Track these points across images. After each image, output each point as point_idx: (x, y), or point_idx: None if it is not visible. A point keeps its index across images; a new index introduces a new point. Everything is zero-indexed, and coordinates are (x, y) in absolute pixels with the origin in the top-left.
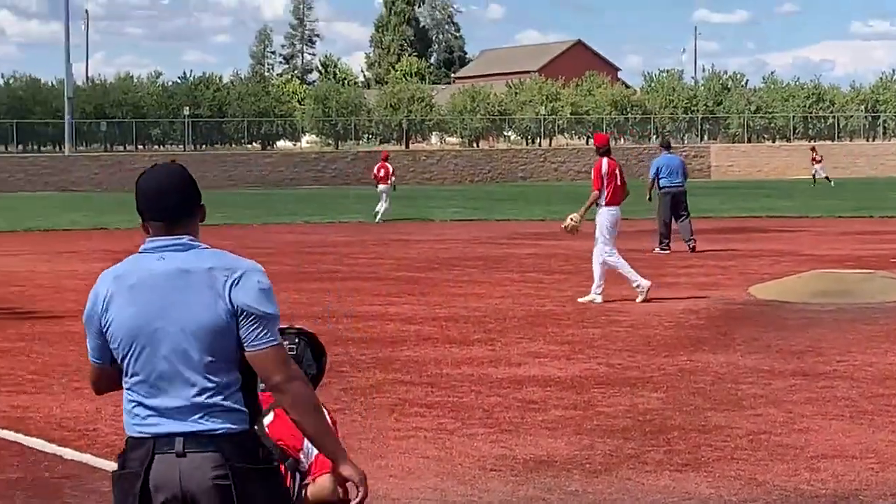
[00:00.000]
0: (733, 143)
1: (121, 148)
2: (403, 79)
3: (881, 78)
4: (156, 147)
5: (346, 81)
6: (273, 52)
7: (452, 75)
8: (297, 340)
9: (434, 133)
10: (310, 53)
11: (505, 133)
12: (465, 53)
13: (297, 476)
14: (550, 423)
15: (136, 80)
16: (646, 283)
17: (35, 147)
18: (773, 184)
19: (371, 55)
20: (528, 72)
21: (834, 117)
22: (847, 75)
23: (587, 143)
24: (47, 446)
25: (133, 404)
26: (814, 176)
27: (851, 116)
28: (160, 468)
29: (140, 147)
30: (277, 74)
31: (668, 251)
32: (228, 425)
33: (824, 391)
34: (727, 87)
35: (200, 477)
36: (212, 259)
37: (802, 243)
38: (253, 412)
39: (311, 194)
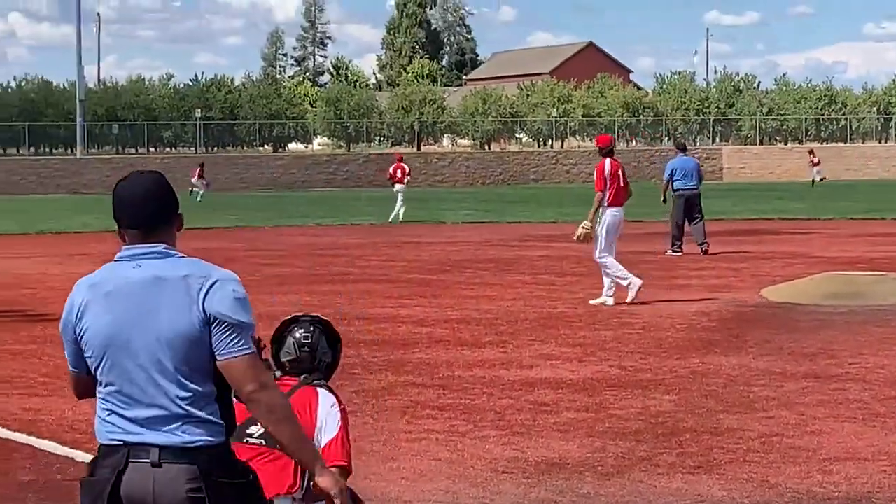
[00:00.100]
0: (745, 144)
1: (132, 150)
2: (415, 81)
3: (894, 80)
4: (167, 149)
5: (357, 84)
6: (285, 55)
7: (464, 77)
8: (311, 328)
9: (446, 135)
10: (321, 56)
11: (517, 135)
12: (477, 55)
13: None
14: (562, 426)
15: (147, 83)
16: (637, 283)
17: (47, 149)
18: (785, 186)
19: (383, 57)
20: (539, 74)
21: (846, 119)
22: (859, 77)
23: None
24: (59, 449)
25: (107, 412)
26: (815, 179)
27: (864, 118)
28: (134, 477)
29: (152, 149)
30: (289, 77)
31: (679, 253)
32: (205, 438)
33: (836, 393)
34: (739, 89)
35: (175, 489)
36: (187, 267)
37: (814, 245)
38: (229, 425)
39: (322, 196)
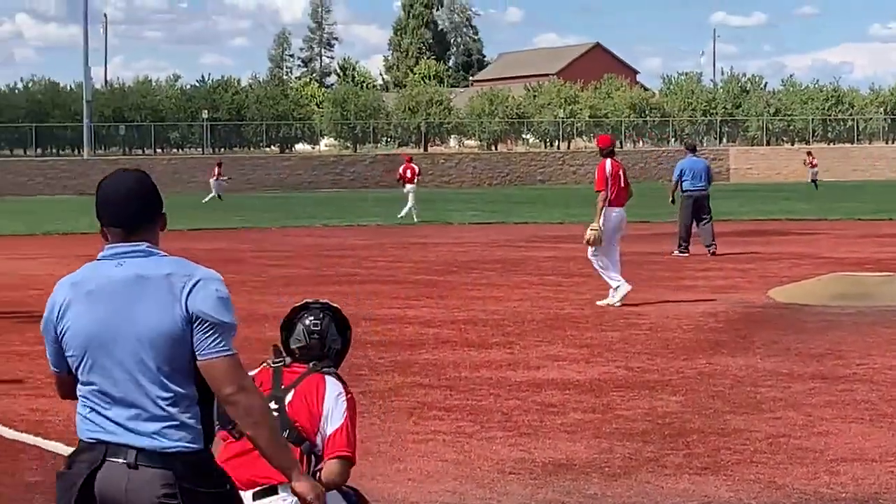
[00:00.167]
0: (752, 145)
1: (139, 152)
2: (422, 82)
3: None
4: (174, 150)
5: (364, 84)
6: (291, 56)
7: (471, 78)
8: (321, 315)
9: (452, 136)
10: (328, 57)
11: (523, 136)
12: (484, 56)
13: (313, 459)
14: (569, 427)
15: (154, 84)
16: (624, 288)
17: (54, 151)
18: (793, 186)
19: (389, 58)
20: (546, 75)
21: (853, 120)
22: (866, 78)
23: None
24: (66, 450)
25: (87, 410)
26: (815, 181)
27: (871, 119)
28: (109, 475)
29: (159, 151)
30: (296, 78)
31: (686, 254)
32: (183, 444)
33: (844, 394)
34: (746, 90)
35: (148, 492)
36: (170, 266)
37: (822, 246)
38: (209, 431)
39: (329, 197)
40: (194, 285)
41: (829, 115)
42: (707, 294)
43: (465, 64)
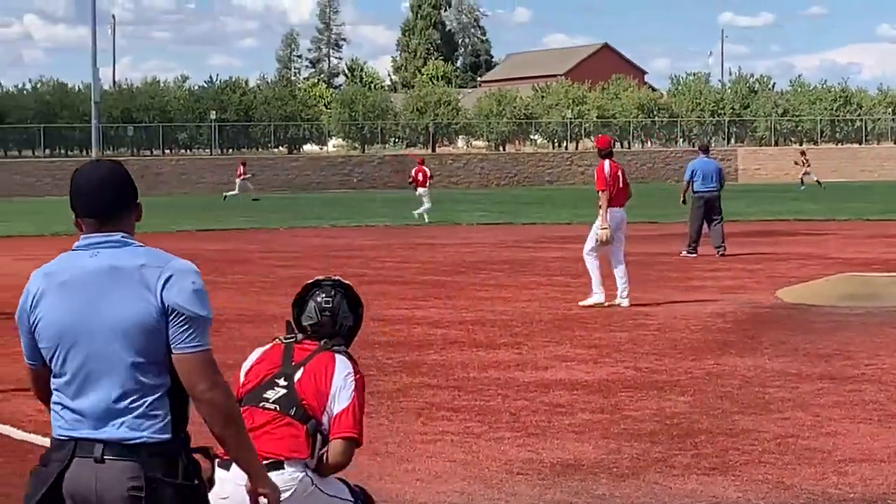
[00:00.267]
0: (760, 146)
1: (147, 152)
2: (430, 82)
3: None
4: (182, 151)
5: (372, 85)
6: (299, 56)
7: (479, 79)
8: (332, 292)
9: (460, 137)
10: (336, 57)
11: (531, 136)
12: (492, 57)
13: (319, 438)
14: (577, 427)
15: (162, 85)
16: (601, 297)
17: (62, 151)
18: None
19: (397, 59)
20: (554, 75)
21: (861, 120)
22: (874, 78)
23: (614, 146)
24: None
25: (59, 406)
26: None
27: (879, 119)
28: (78, 473)
29: (167, 151)
30: (304, 78)
31: (694, 255)
32: (149, 434)
33: (852, 395)
34: (754, 90)
35: (117, 486)
36: (145, 256)
37: (830, 246)
38: (180, 421)
39: (337, 198)
40: (169, 277)
41: (838, 116)
42: (715, 294)
43: (472, 64)
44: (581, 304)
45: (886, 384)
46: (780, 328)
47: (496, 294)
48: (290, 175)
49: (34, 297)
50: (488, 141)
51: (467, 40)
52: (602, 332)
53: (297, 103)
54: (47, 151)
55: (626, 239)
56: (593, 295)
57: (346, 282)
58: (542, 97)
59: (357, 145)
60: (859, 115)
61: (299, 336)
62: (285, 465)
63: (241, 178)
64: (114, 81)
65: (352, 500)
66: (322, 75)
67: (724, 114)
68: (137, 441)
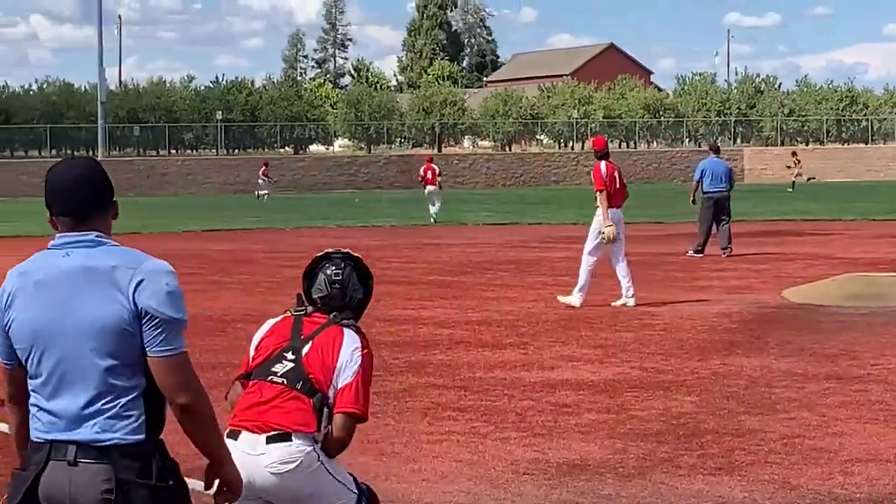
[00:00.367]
0: (766, 146)
1: (153, 152)
2: (436, 82)
3: None
4: (188, 151)
5: (378, 85)
6: (305, 57)
7: (485, 79)
8: (342, 265)
9: (466, 137)
10: (342, 57)
11: (537, 137)
12: (498, 57)
13: (325, 412)
14: (583, 427)
15: (168, 85)
16: (576, 303)
17: (68, 152)
18: (807, 187)
19: (403, 59)
20: (560, 75)
21: (868, 120)
22: (881, 78)
23: (620, 146)
24: None
25: (36, 408)
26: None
27: (885, 119)
28: (53, 476)
29: (173, 151)
30: (310, 79)
31: (700, 255)
32: (122, 435)
33: (858, 395)
34: (760, 90)
35: (90, 489)
36: (118, 257)
37: (836, 246)
38: (155, 422)
39: (343, 198)
40: (142, 280)
41: (844, 116)
42: (721, 294)
43: (478, 64)
44: (559, 298)
45: (892, 384)
46: (787, 328)
47: (502, 294)
48: (296, 175)
49: (8, 297)
50: (494, 141)
51: (473, 40)
52: (608, 332)
53: (303, 103)
54: (53, 152)
55: (625, 238)
56: (574, 295)
57: (356, 254)
58: (548, 97)
59: (363, 145)
60: (865, 114)
61: (309, 309)
62: (293, 438)
63: (265, 179)
64: (120, 81)
65: (356, 492)
66: (328, 75)
67: (731, 114)
68: (109, 442)
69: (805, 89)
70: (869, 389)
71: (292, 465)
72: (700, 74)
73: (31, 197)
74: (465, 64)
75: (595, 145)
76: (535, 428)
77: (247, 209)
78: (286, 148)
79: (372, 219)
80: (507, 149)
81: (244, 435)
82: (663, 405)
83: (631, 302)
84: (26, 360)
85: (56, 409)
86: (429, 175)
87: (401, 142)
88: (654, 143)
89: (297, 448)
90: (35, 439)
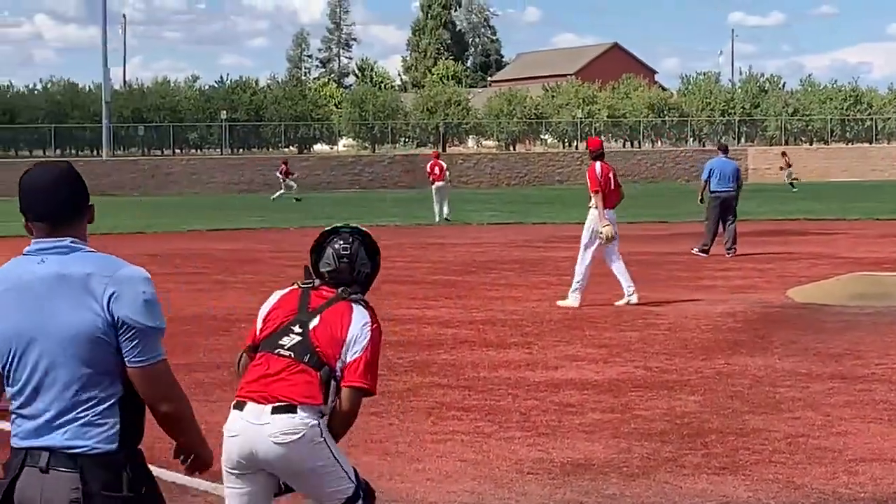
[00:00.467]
0: (771, 145)
1: (158, 152)
2: (440, 82)
3: None
4: (193, 151)
5: (382, 85)
6: (310, 56)
7: (489, 79)
8: (350, 239)
9: (471, 136)
10: (346, 57)
11: (541, 136)
12: (502, 57)
13: (333, 384)
14: (588, 427)
15: (173, 85)
16: (574, 304)
17: (73, 151)
18: (811, 186)
19: (408, 59)
20: (564, 75)
21: (872, 120)
22: (885, 77)
23: (624, 146)
24: None
25: (13, 415)
26: (792, 180)
27: (889, 118)
28: (26, 483)
29: (177, 151)
30: (314, 78)
31: (705, 255)
32: (93, 443)
33: (863, 394)
34: (764, 90)
35: (60, 497)
36: (93, 264)
37: (840, 246)
38: (131, 431)
39: (347, 198)
40: (118, 288)
41: (848, 115)
42: (726, 294)
43: (483, 64)
44: (559, 303)
45: None
46: (791, 328)
47: (506, 294)
48: (300, 174)
49: None
50: (498, 141)
51: (477, 40)
52: (612, 331)
53: (308, 103)
54: (58, 151)
55: (618, 239)
56: (570, 297)
57: (364, 229)
58: (553, 97)
59: (367, 145)
60: (870, 114)
61: (316, 282)
62: (298, 410)
63: (287, 177)
64: (124, 81)
65: (354, 482)
66: (332, 75)
67: (735, 113)
68: (80, 450)
69: (809, 89)
70: (873, 389)
71: (295, 437)
72: (704, 74)
73: None
74: (469, 63)
75: (590, 146)
76: (539, 427)
77: (251, 209)
78: (290, 147)
79: (376, 218)
80: (512, 148)
81: (250, 405)
82: (667, 405)
83: (634, 298)
84: (4, 367)
85: (31, 416)
86: (436, 171)
87: (405, 141)
88: (659, 142)
89: (300, 420)
90: (13, 445)
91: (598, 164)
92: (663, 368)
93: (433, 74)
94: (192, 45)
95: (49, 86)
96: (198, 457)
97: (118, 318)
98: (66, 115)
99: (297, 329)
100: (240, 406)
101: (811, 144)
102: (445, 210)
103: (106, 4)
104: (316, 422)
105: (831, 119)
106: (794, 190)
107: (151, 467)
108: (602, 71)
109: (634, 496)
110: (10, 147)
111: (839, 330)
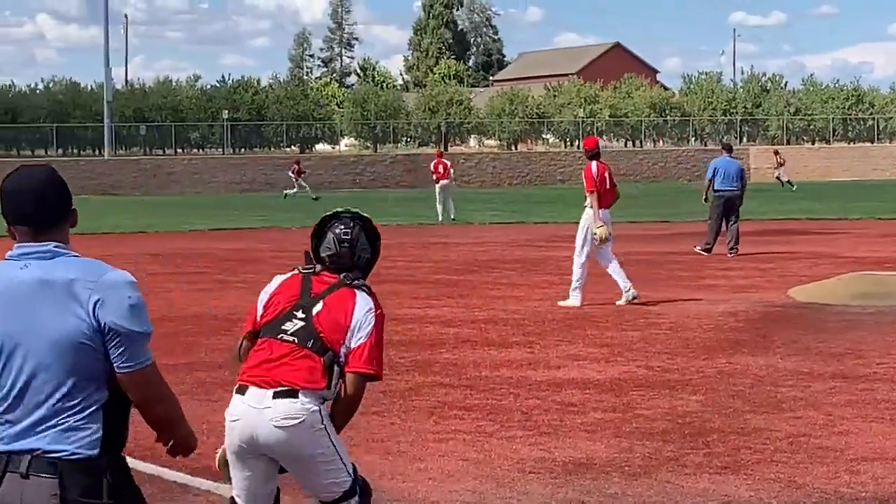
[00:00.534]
0: (772, 145)
1: (160, 152)
2: (442, 82)
3: None
4: (195, 150)
5: (384, 84)
6: (311, 56)
7: (491, 78)
8: (351, 224)
9: (472, 136)
10: (348, 57)
11: (543, 136)
12: (504, 56)
13: (336, 369)
14: (589, 426)
15: (175, 84)
16: (576, 303)
17: (75, 151)
18: (813, 186)
19: (409, 58)
20: (566, 74)
21: (873, 119)
22: (886, 77)
23: (626, 145)
24: None
25: None
26: (781, 180)
27: (891, 118)
28: (8, 487)
29: (179, 151)
30: (316, 78)
31: (707, 254)
32: (74, 448)
33: (864, 394)
34: (766, 89)
35: (41, 502)
36: (77, 269)
37: (842, 245)
38: (113, 437)
39: (349, 197)
40: (104, 293)
41: (850, 115)
42: (727, 293)
43: (485, 64)
44: (560, 303)
45: None
46: (792, 327)
47: (508, 293)
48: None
49: None
50: (500, 140)
51: (479, 39)
52: (614, 330)
53: (310, 103)
54: (60, 151)
55: (612, 240)
56: (571, 296)
57: (365, 214)
58: (555, 96)
59: (369, 145)
60: (871, 113)
61: (317, 267)
62: (300, 395)
63: (299, 176)
64: (126, 81)
65: (351, 476)
66: (334, 75)
67: (736, 113)
68: (60, 455)
69: (811, 88)
70: (875, 388)
71: (296, 421)
72: (706, 73)
73: None
74: (471, 63)
75: (586, 145)
76: (540, 427)
77: (253, 208)
78: (292, 147)
79: (378, 218)
80: (513, 148)
81: (252, 390)
82: (669, 404)
83: (633, 293)
84: None
85: (15, 421)
86: (440, 169)
87: (407, 141)
88: (661, 142)
89: (302, 405)
90: None
91: (594, 164)
92: (665, 368)
93: (435, 74)
94: (193, 45)
95: (51, 85)
96: (186, 447)
97: (104, 325)
98: (67, 115)
99: (299, 314)
100: (242, 390)
101: (813, 144)
102: (451, 209)
103: (108, 4)
104: (317, 408)
105: (833, 118)
106: (794, 189)
107: (152, 467)
108: (604, 70)
109: (636, 495)
110: (13, 147)
111: (841, 329)
